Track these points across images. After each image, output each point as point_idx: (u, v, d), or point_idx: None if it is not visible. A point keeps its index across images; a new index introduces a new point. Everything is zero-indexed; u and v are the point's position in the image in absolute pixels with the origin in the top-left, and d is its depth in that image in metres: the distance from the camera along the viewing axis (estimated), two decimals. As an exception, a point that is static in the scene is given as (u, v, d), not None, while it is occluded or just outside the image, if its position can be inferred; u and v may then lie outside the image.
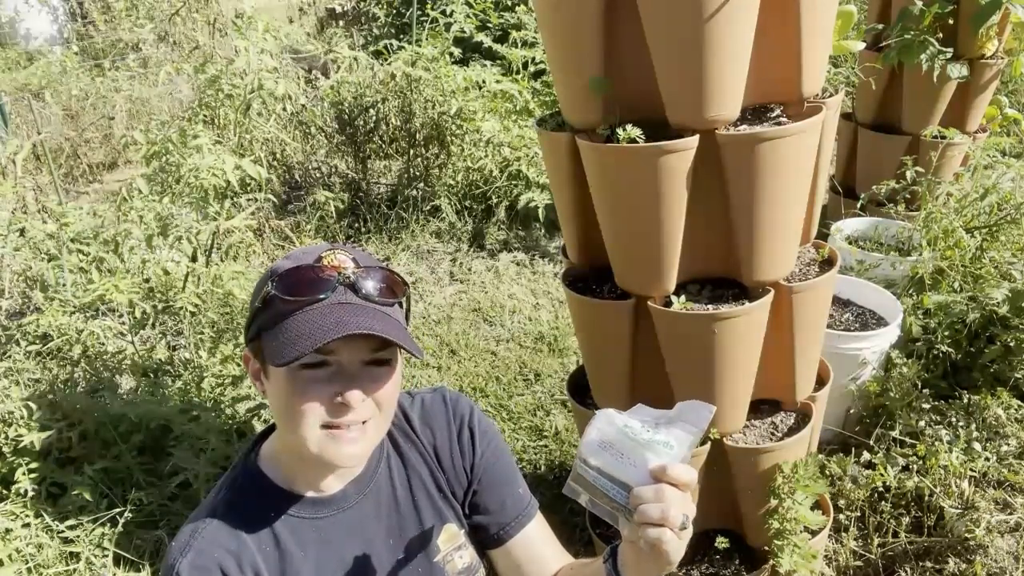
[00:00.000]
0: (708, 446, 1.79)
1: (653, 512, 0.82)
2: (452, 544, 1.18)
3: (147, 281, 2.80)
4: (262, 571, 1.03)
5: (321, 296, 0.94)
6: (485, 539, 1.21)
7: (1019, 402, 2.37)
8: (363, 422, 0.98)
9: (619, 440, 0.87)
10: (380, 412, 1.00)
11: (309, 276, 0.96)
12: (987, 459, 2.23)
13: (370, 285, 0.97)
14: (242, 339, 2.78)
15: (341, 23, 8.57)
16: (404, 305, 1.05)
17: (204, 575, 0.99)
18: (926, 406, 2.42)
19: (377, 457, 1.14)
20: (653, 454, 0.85)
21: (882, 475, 2.22)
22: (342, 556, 1.09)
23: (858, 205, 3.38)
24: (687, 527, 0.83)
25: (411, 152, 4.90)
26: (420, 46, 4.87)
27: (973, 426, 2.32)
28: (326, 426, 0.96)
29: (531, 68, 5.37)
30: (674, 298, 1.64)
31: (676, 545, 0.83)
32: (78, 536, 2.23)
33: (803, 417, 1.89)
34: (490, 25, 6.35)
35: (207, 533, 1.02)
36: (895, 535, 2.18)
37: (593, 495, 0.89)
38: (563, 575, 1.20)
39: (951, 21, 3.36)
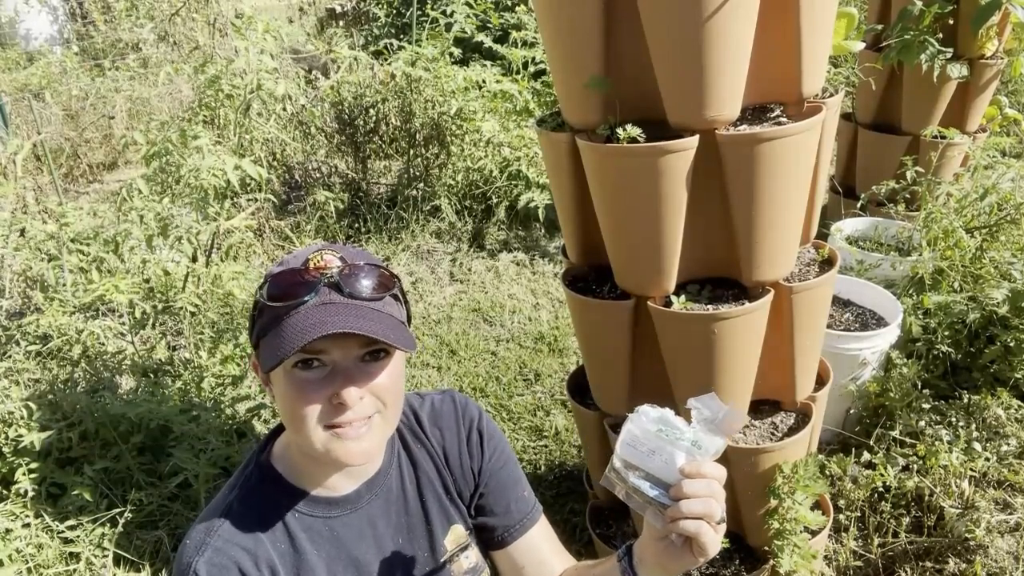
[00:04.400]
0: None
1: (696, 506, 0.85)
2: (458, 545, 1.18)
3: (147, 281, 2.81)
4: (278, 569, 1.03)
5: (305, 299, 0.95)
6: (489, 541, 1.22)
7: (1019, 402, 2.37)
8: (368, 418, 0.98)
9: (650, 437, 0.89)
10: (384, 406, 1.00)
11: (294, 280, 0.96)
12: (987, 459, 2.23)
13: (354, 283, 0.97)
14: (242, 339, 2.80)
15: (341, 23, 8.57)
16: (400, 297, 1.05)
17: (222, 573, 0.98)
18: (926, 406, 2.42)
19: (389, 457, 1.14)
20: (683, 452, 0.88)
21: (882, 475, 2.22)
22: (352, 555, 1.09)
23: (858, 205, 3.38)
24: (724, 520, 0.87)
25: (411, 152, 4.90)
26: (420, 46, 4.87)
27: (973, 426, 2.32)
28: (329, 426, 0.96)
29: (531, 68, 5.37)
30: (674, 298, 1.64)
31: (714, 538, 0.87)
32: (78, 536, 2.23)
33: (803, 417, 1.89)
34: (490, 25, 6.35)
35: (223, 531, 1.01)
36: (895, 535, 2.18)
37: (627, 488, 0.91)
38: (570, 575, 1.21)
39: (951, 21, 3.36)
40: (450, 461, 1.18)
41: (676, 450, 0.88)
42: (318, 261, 0.97)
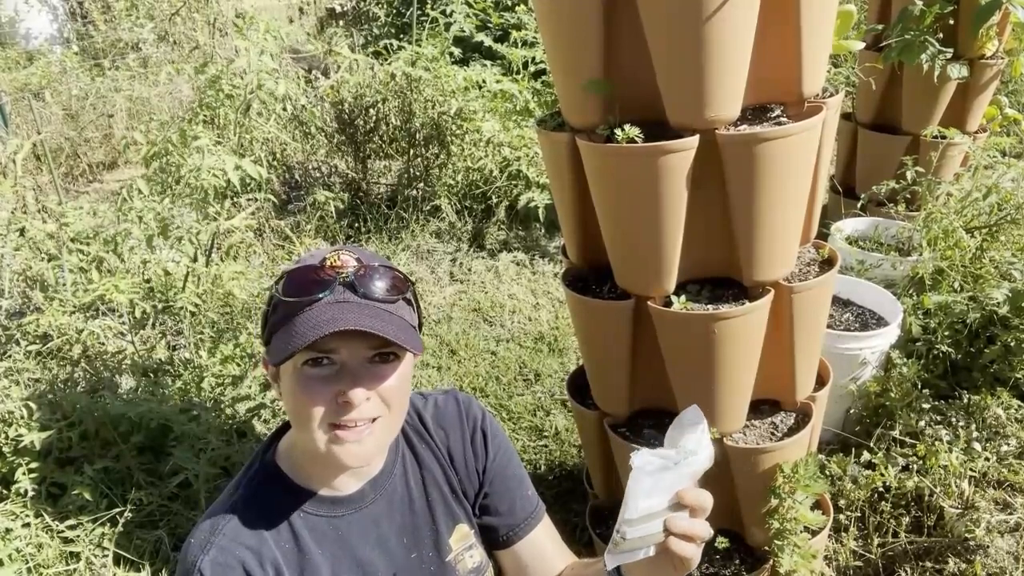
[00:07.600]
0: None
1: (698, 528, 0.91)
2: (463, 544, 1.19)
3: (147, 281, 2.80)
4: (282, 568, 1.03)
5: (320, 296, 0.96)
6: (493, 540, 1.22)
7: (1019, 402, 2.37)
8: (372, 420, 0.98)
9: (662, 480, 0.92)
10: (389, 410, 1.00)
11: (310, 277, 0.98)
12: (987, 459, 2.23)
13: (369, 284, 0.98)
14: (242, 339, 2.79)
15: (341, 23, 8.57)
16: (413, 301, 1.06)
17: (227, 572, 0.99)
18: (926, 406, 2.42)
19: (393, 456, 1.14)
20: (688, 468, 0.92)
21: (882, 475, 2.22)
22: (357, 554, 1.09)
23: (858, 205, 3.38)
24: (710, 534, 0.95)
25: (411, 152, 4.89)
26: (420, 46, 4.87)
27: (973, 426, 2.32)
28: (333, 425, 0.96)
29: (531, 68, 5.37)
30: (674, 298, 1.64)
31: (698, 555, 0.94)
32: (78, 536, 2.23)
33: (803, 417, 1.89)
34: (490, 25, 6.35)
35: (228, 530, 1.02)
36: (895, 535, 2.18)
37: (646, 544, 0.93)
38: (566, 575, 1.21)
39: (951, 21, 3.36)
40: (455, 461, 1.19)
41: (675, 476, 0.91)
42: (335, 260, 0.98)
